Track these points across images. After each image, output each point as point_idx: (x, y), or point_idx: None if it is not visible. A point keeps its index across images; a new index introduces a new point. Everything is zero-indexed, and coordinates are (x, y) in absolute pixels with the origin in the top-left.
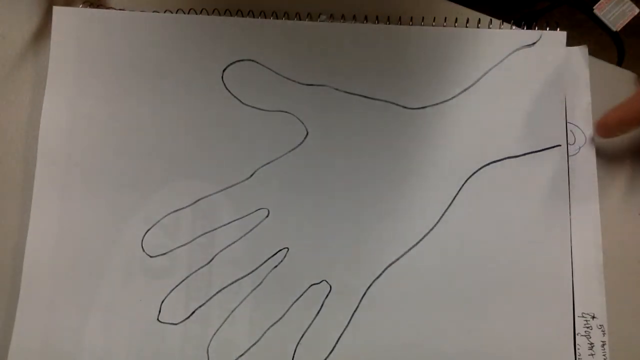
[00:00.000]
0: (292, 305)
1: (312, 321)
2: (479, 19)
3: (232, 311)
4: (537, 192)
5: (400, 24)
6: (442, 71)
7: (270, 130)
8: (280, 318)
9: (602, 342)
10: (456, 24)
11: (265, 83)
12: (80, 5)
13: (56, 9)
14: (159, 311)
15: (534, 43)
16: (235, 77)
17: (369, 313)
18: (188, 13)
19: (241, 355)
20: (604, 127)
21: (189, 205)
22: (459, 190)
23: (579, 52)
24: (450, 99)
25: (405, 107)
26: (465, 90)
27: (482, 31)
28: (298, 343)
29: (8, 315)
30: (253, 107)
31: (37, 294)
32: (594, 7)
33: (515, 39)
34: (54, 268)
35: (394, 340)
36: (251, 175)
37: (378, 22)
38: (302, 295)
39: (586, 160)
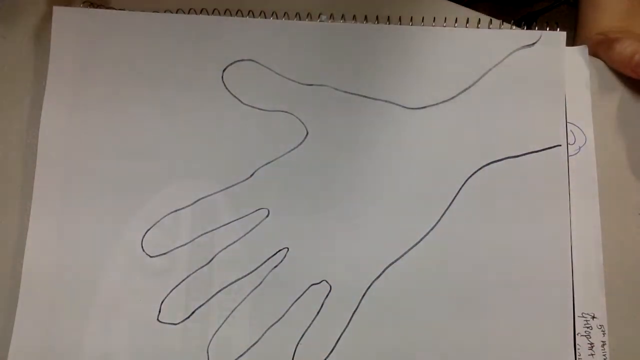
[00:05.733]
0: (292, 305)
1: (312, 321)
2: (479, 19)
3: (232, 311)
4: (537, 192)
5: (400, 24)
6: (442, 71)
7: (270, 130)
8: (280, 318)
9: (602, 342)
10: (456, 24)
11: (265, 83)
12: (81, 5)
13: (56, 9)
14: (159, 311)
15: (534, 43)
16: (235, 77)
17: (369, 313)
18: (188, 13)
19: (241, 355)
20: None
21: (189, 205)
22: (459, 190)
23: (579, 52)
24: (450, 99)
25: (405, 107)
26: (465, 90)
27: (482, 31)
28: (298, 343)
29: (8, 315)
30: (253, 107)
31: (37, 294)
32: None
33: (515, 39)
34: (54, 268)
35: (393, 340)
36: (251, 175)
37: (378, 22)
38: (302, 295)
39: (586, 160)
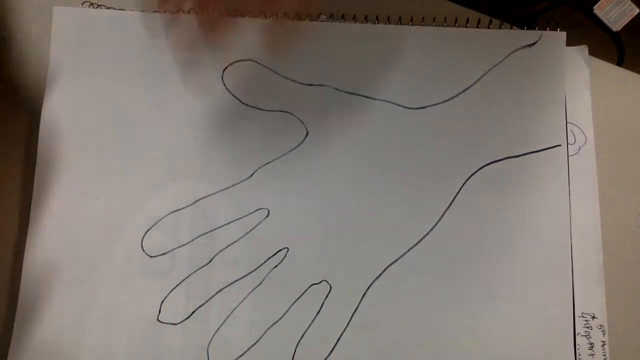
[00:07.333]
0: (292, 305)
1: (312, 321)
2: (479, 19)
3: (232, 311)
4: (537, 192)
5: (400, 24)
6: (442, 71)
7: (270, 130)
8: (280, 318)
9: (602, 342)
10: (456, 24)
11: (265, 83)
12: (80, 5)
13: (56, 9)
14: (159, 311)
15: (533, 43)
16: (235, 77)
17: (369, 313)
18: (188, 13)
19: (241, 355)
20: None
21: (189, 205)
22: (459, 190)
23: (579, 52)
24: (450, 99)
25: (405, 107)
26: (465, 90)
27: (482, 31)
28: (298, 343)
29: (8, 315)
30: (253, 107)
31: (37, 294)
32: (594, 7)
33: (515, 39)
34: (54, 268)
35: (393, 340)
36: (251, 175)
37: (378, 22)
38: (302, 295)
39: (586, 160)
